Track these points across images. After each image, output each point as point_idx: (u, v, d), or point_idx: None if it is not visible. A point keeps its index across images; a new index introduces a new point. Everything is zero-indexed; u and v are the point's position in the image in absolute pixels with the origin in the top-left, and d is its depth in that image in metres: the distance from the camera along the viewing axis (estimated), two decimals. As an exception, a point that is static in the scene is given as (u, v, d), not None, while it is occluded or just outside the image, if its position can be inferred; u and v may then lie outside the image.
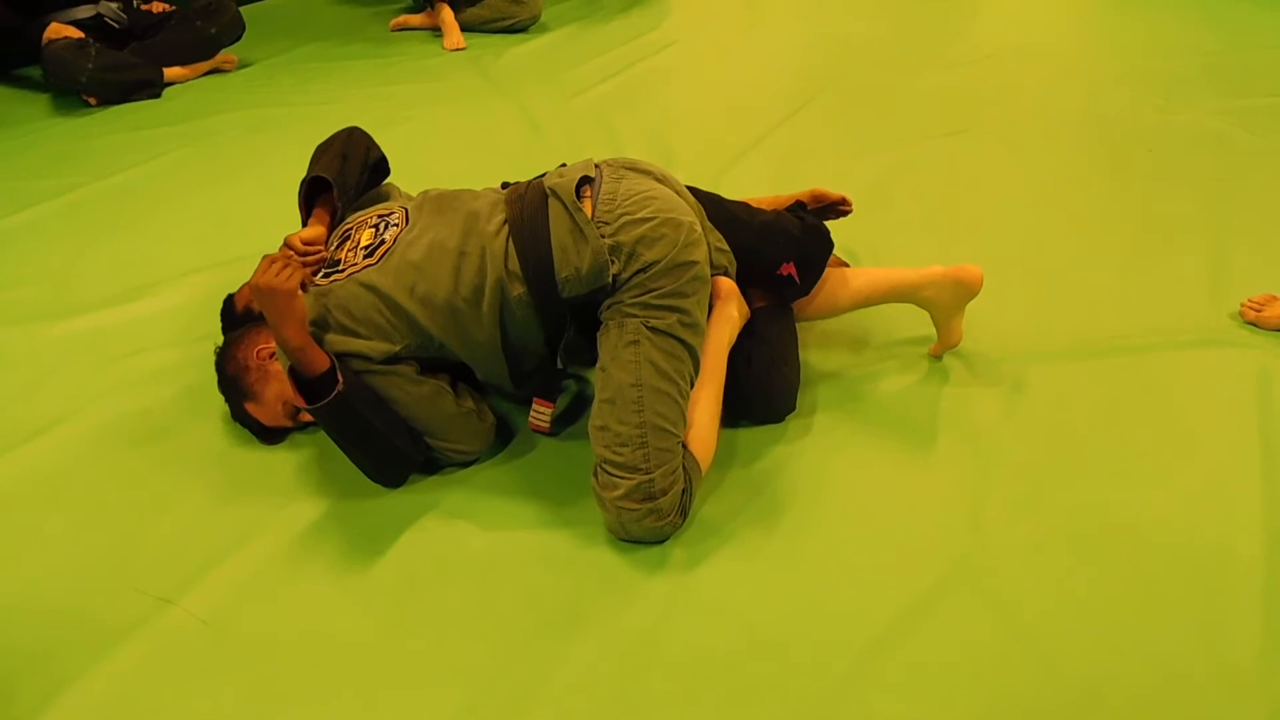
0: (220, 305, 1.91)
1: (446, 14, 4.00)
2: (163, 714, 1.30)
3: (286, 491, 1.66)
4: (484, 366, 1.66)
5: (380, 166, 1.91)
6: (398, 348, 1.56)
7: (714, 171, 2.73)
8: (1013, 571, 1.47)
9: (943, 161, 2.81)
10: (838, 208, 2.02)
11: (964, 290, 1.80)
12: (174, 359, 2.00)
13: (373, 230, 1.66)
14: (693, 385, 1.59)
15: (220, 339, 1.80)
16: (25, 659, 1.38)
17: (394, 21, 4.22)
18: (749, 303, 1.81)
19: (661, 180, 1.67)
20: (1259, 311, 2.01)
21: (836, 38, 3.96)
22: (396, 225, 1.66)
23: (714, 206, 1.81)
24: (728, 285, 1.75)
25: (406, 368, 1.58)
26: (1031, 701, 1.28)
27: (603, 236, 1.53)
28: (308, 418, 1.69)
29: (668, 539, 1.54)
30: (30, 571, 1.53)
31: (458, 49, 3.91)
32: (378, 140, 1.94)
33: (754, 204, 1.94)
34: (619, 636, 1.39)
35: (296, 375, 1.51)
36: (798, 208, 1.97)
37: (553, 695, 1.31)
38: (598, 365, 1.55)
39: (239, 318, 1.85)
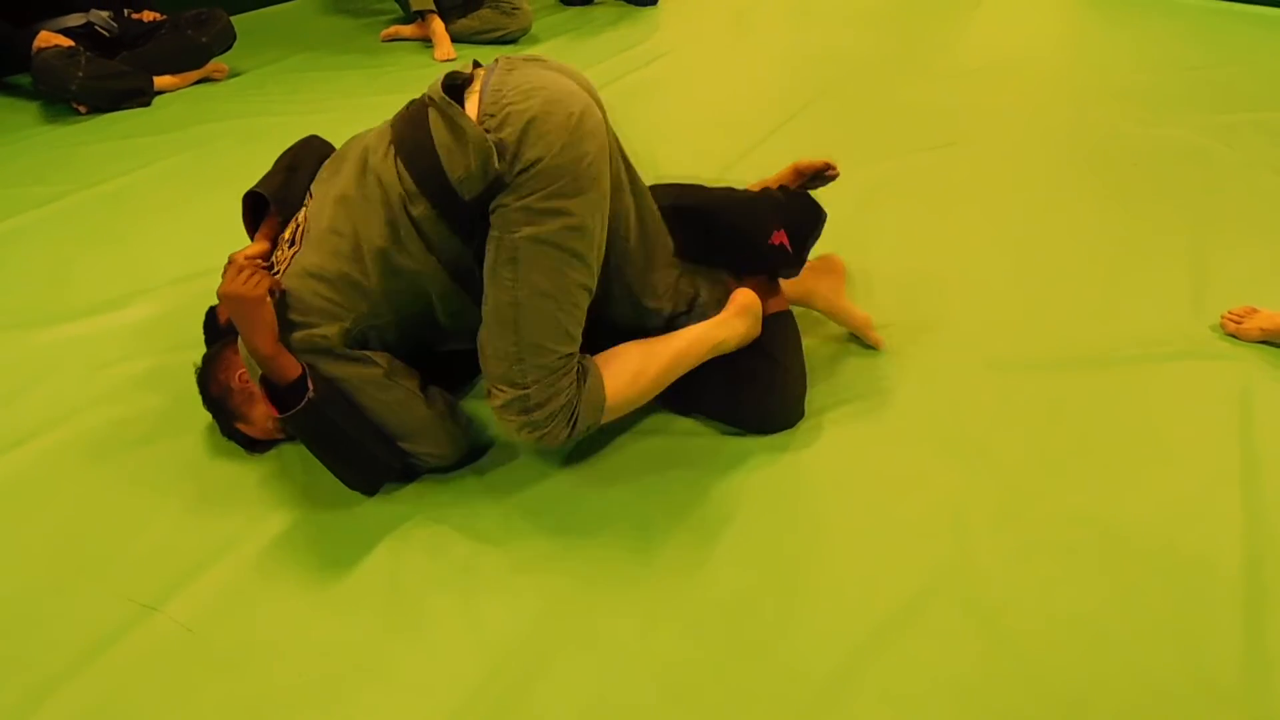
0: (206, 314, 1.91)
1: (437, 25, 4.03)
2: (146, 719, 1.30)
3: (272, 498, 1.66)
4: (448, 312, 1.61)
5: None
6: (348, 323, 1.54)
7: (703, 182, 2.73)
8: (996, 581, 1.48)
9: (930, 174, 2.84)
10: (824, 174, 2.02)
11: (831, 280, 1.91)
12: (160, 367, 1.99)
13: (294, 225, 1.64)
14: (589, 295, 1.55)
15: (202, 352, 1.81)
16: (8, 664, 1.38)
17: (385, 32, 4.24)
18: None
19: (560, 71, 1.57)
20: (1239, 324, 2.03)
21: (825, 51, 3.99)
22: (306, 205, 1.64)
23: (698, 192, 1.83)
24: (748, 298, 1.74)
25: (373, 370, 1.56)
26: (1014, 711, 1.29)
27: (488, 131, 1.44)
28: None
29: (562, 444, 1.58)
30: (14, 576, 1.52)
31: (448, 60, 3.93)
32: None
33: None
34: (602, 643, 1.39)
35: (268, 384, 1.51)
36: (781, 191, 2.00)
37: (536, 703, 1.31)
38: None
39: (222, 331, 1.85)
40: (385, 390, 1.57)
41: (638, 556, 1.53)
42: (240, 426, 1.70)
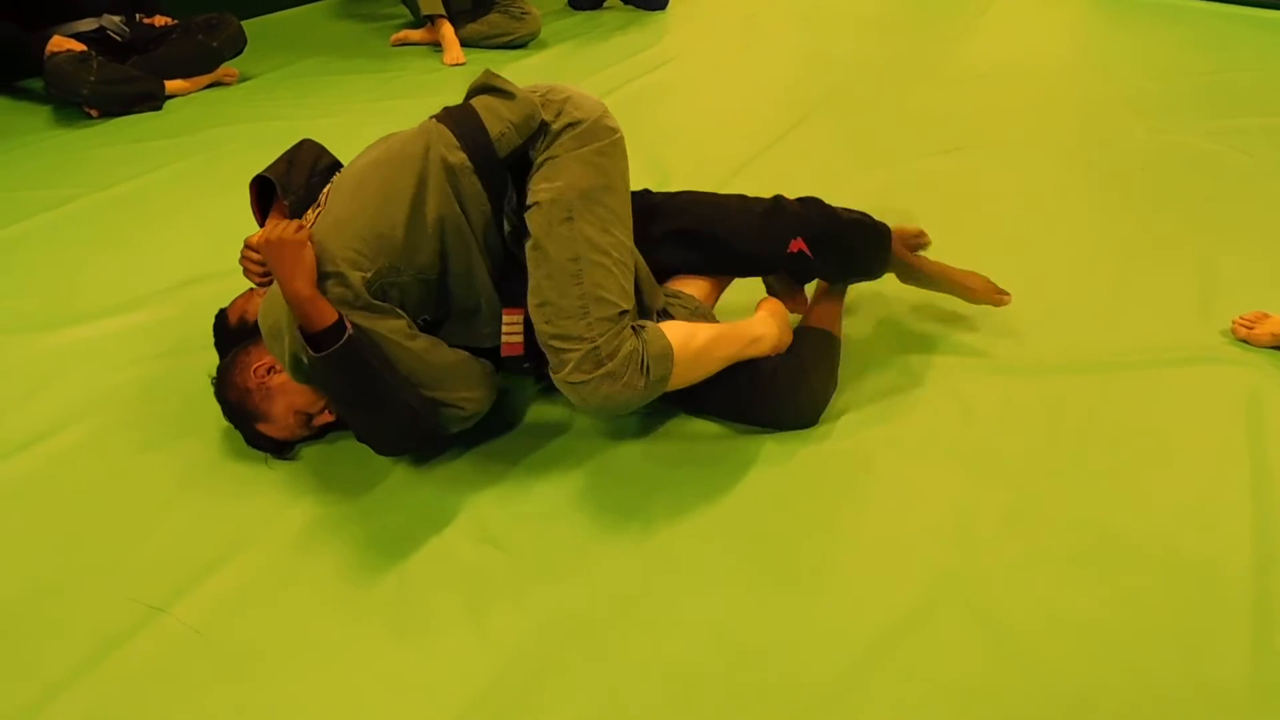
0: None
1: (447, 30, 4.04)
2: (153, 722, 1.31)
3: (279, 502, 1.67)
4: (459, 267, 1.62)
5: (333, 171, 1.85)
6: (369, 274, 1.55)
7: (710, 187, 2.72)
8: (1001, 586, 1.47)
9: (937, 179, 2.84)
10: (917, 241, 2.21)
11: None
12: (169, 370, 2.00)
13: (320, 200, 1.68)
14: (633, 260, 1.64)
15: (212, 354, 1.81)
16: (17, 664, 1.38)
17: (395, 37, 4.25)
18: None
19: None
20: (1250, 329, 2.02)
21: (832, 56, 3.99)
22: (332, 182, 1.70)
23: (713, 210, 1.87)
24: (774, 305, 1.85)
25: (398, 321, 1.57)
26: (1019, 717, 1.28)
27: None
28: (322, 420, 1.71)
29: (636, 405, 1.56)
30: (22, 579, 1.53)
31: (457, 64, 3.94)
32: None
33: None
34: (607, 648, 1.39)
35: (303, 332, 1.51)
36: None
37: (542, 706, 1.31)
38: (529, 244, 1.58)
39: (232, 332, 1.85)
40: (411, 339, 1.58)
41: (644, 560, 1.53)
42: (262, 428, 1.70)
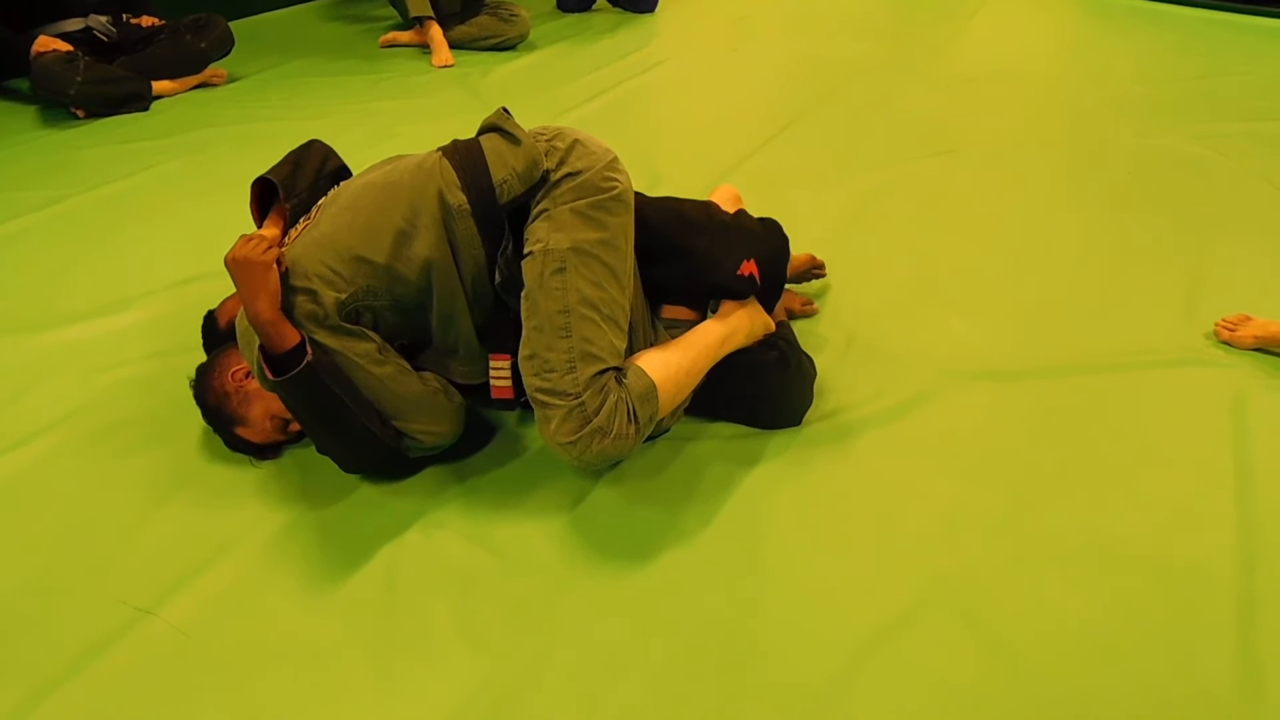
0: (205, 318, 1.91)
1: (435, 31, 4.04)
2: (140, 725, 1.30)
3: (267, 503, 1.66)
4: (443, 309, 1.62)
5: (340, 175, 1.88)
6: (344, 295, 1.54)
7: (699, 190, 2.74)
8: (990, 589, 1.48)
9: (926, 182, 2.85)
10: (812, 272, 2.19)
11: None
12: (157, 371, 2.00)
13: (314, 210, 1.66)
14: (626, 319, 1.61)
15: (200, 356, 1.81)
16: (4, 667, 1.37)
17: (383, 38, 4.25)
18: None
19: None
20: (1233, 331, 2.04)
21: (822, 59, 4.01)
22: (326, 196, 1.68)
23: (673, 216, 1.80)
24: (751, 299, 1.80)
25: (367, 344, 1.55)
26: (1008, 718, 1.29)
27: (539, 139, 1.62)
28: (298, 426, 1.70)
29: (632, 451, 1.54)
30: (8, 579, 1.52)
31: (446, 66, 3.94)
32: (367, 155, 1.95)
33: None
34: (598, 648, 1.40)
35: (265, 353, 1.51)
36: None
37: (533, 707, 1.31)
38: (523, 293, 1.56)
39: (221, 333, 1.85)
40: (378, 364, 1.56)
41: (633, 562, 1.54)
42: (240, 431, 1.70)
